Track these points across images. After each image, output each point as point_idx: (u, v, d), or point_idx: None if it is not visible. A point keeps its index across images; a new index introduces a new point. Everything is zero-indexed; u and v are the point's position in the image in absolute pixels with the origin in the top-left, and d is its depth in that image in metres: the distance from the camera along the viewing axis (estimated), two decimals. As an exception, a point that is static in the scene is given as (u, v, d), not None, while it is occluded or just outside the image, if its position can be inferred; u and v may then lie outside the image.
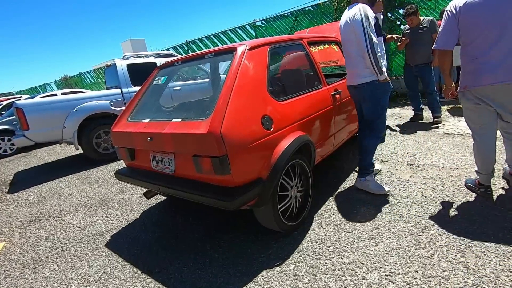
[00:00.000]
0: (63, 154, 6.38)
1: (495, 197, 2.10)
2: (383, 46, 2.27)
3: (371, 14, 2.13)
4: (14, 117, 6.00)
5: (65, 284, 1.89)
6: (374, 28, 2.11)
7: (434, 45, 2.05)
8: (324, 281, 1.57)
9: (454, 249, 1.65)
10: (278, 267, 1.73)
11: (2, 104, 8.22)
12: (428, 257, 1.62)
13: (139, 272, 1.89)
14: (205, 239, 2.15)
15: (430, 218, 1.98)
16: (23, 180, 4.72)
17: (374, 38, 2.08)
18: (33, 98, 6.06)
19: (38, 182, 4.40)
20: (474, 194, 2.17)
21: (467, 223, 1.85)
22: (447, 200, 2.16)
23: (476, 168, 2.18)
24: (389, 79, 2.25)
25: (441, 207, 2.08)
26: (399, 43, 4.18)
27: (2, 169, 5.92)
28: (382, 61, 2.14)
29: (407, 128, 4.16)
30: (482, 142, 2.05)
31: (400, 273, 1.54)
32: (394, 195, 2.35)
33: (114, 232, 2.49)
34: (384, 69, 2.16)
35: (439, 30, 2.00)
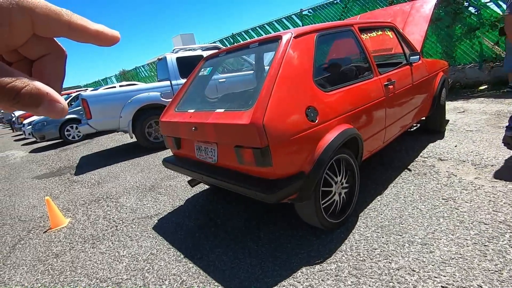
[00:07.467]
0: (120, 142, 6.98)
1: None
2: None
3: None
4: (80, 107, 6.71)
5: (118, 261, 2.06)
6: None
7: None
8: (369, 285, 1.46)
9: (530, 265, 1.41)
10: (318, 265, 1.66)
11: (71, 96, 9.26)
12: (496, 271, 1.41)
13: (182, 256, 1.98)
14: (245, 229, 2.16)
15: (499, 227, 1.72)
16: (86, 164, 5.27)
17: None
18: (96, 90, 6.69)
19: (98, 166, 4.88)
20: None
21: (549, 236, 1.57)
22: (522, 207, 1.86)
23: None
24: None
25: (514, 215, 1.80)
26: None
27: (70, 153, 6.68)
28: None
29: (473, 123, 3.68)
30: None
31: (460, 286, 1.36)
32: (454, 198, 2.09)
33: (161, 216, 2.64)
34: None
35: None
